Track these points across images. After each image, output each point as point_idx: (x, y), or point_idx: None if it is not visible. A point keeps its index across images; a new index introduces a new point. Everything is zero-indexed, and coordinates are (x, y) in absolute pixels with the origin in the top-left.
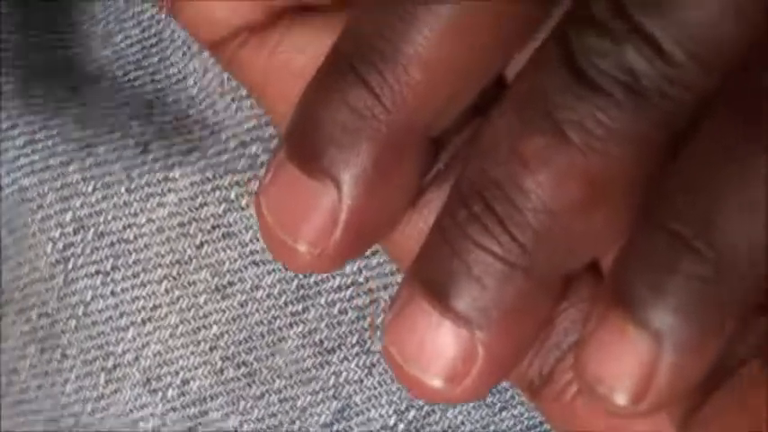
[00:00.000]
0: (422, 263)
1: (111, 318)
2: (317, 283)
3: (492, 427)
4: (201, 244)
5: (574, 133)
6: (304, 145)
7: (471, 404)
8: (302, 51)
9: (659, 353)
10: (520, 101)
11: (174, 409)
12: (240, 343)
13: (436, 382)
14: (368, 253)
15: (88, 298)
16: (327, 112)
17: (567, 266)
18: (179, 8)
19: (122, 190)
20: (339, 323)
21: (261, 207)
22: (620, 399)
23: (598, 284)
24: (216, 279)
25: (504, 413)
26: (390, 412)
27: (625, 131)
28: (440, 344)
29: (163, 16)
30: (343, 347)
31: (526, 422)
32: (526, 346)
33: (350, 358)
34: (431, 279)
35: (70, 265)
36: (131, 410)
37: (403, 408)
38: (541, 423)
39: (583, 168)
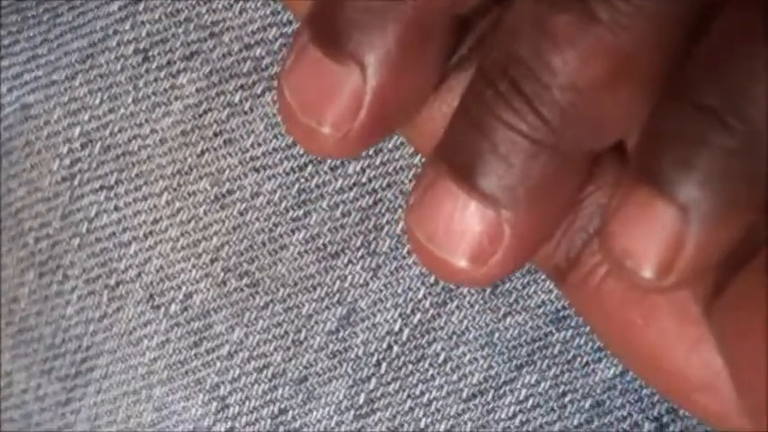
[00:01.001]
0: (447, 144)
1: (114, 233)
2: (318, 186)
3: (497, 335)
4: (203, 152)
5: (602, 10)
6: (328, 28)
7: (476, 309)
8: None
9: (686, 226)
10: None
11: (177, 325)
12: (242, 253)
13: (462, 263)
14: (371, 152)
15: (92, 214)
16: None
17: (593, 145)
18: None
19: (129, 100)
20: (342, 226)
21: (283, 90)
22: (647, 272)
23: (625, 167)
24: (215, 188)
25: (508, 319)
26: (396, 316)
27: (653, 8)
28: (466, 224)
29: None
30: (347, 251)
31: (531, 333)
32: (552, 225)
33: (354, 261)
34: (456, 159)
35: (76, 182)
36: (135, 328)
37: (408, 311)
38: (546, 335)
39: (610, 45)
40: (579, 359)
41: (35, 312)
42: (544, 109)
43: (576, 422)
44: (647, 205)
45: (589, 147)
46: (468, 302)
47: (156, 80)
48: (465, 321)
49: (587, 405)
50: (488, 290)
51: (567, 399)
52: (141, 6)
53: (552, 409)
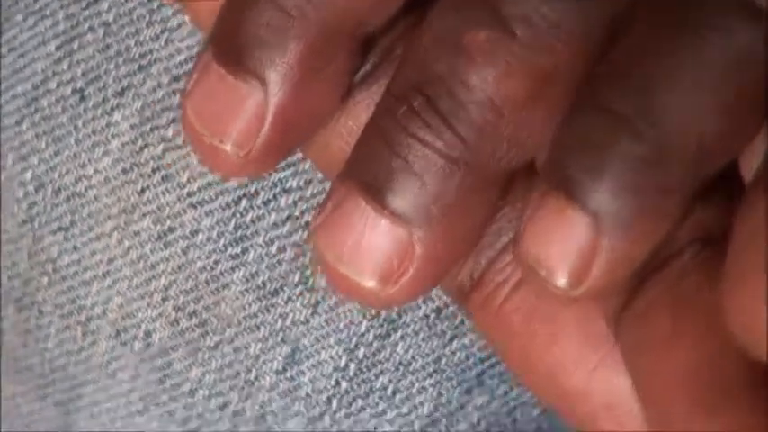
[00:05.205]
0: (357, 161)
1: (77, 272)
2: (253, 222)
3: (444, 360)
4: (143, 190)
5: (519, 28)
6: (230, 46)
7: (421, 336)
8: None
9: (598, 235)
10: None
11: (143, 361)
12: (188, 292)
13: (371, 283)
14: (302, 183)
15: (55, 254)
16: (254, 12)
17: (509, 162)
18: None
19: (71, 142)
20: (279, 262)
21: (187, 111)
22: (560, 280)
23: (533, 183)
24: (158, 226)
25: (454, 343)
26: (340, 352)
27: (570, 26)
28: (376, 244)
29: None
30: (285, 288)
31: (478, 354)
32: (465, 246)
33: (294, 298)
34: (367, 177)
35: (36, 224)
36: (109, 361)
37: (352, 346)
38: (494, 354)
39: (528, 63)
40: None
41: (21, 344)
42: (460, 126)
43: None
44: (559, 213)
45: (506, 164)
46: (413, 330)
47: (93, 119)
48: (410, 351)
49: (535, 414)
50: (432, 315)
51: (517, 413)
52: (76, 44)
53: (505, 426)
